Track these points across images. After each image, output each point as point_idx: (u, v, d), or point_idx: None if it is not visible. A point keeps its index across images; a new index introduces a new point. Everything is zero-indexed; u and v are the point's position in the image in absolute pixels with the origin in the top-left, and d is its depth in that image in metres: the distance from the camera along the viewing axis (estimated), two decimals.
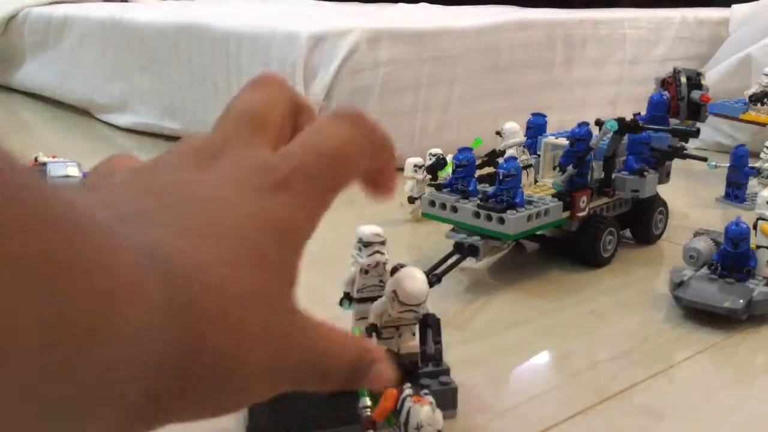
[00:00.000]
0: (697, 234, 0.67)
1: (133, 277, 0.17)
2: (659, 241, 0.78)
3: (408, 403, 0.38)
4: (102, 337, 0.15)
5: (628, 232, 0.78)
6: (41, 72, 1.57)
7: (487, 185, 0.69)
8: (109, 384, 0.16)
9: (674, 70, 0.89)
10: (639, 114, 0.73)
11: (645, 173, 0.73)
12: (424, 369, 0.45)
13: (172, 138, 1.24)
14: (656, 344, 0.56)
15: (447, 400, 0.43)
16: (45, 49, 1.56)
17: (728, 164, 0.91)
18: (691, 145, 1.00)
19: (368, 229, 0.44)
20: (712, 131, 1.15)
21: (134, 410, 0.17)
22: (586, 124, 0.70)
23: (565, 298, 0.65)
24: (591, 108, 1.23)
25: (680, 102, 0.87)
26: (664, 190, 0.79)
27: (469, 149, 0.68)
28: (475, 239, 0.65)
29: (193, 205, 0.21)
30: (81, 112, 1.45)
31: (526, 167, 0.70)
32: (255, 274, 0.20)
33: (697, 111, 0.87)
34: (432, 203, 0.68)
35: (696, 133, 0.73)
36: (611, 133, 0.70)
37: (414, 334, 0.45)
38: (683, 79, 0.88)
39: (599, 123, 0.70)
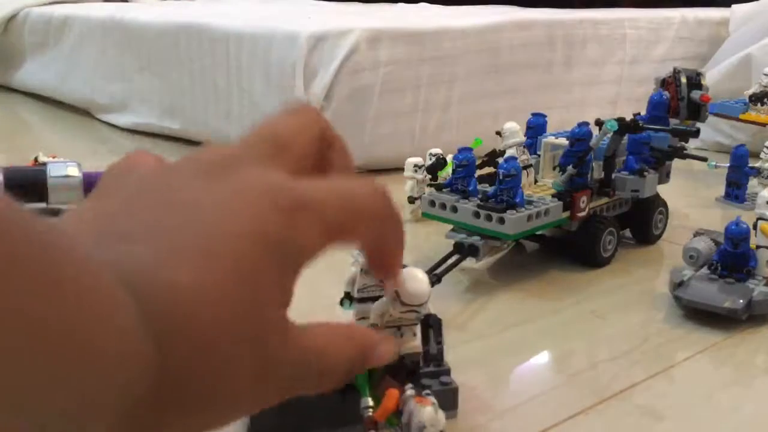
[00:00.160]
0: (697, 234, 0.67)
1: (100, 298, 0.17)
2: (659, 241, 0.78)
3: (410, 404, 0.38)
4: (69, 357, 0.15)
5: (628, 232, 0.78)
6: (41, 72, 1.57)
7: (487, 185, 0.69)
8: (87, 402, 0.16)
9: (674, 70, 0.89)
10: (639, 114, 0.73)
11: (645, 173, 0.73)
12: (424, 369, 0.45)
13: (172, 138, 1.24)
14: (656, 344, 0.57)
15: (448, 401, 0.43)
16: (45, 49, 1.56)
17: (728, 164, 0.91)
18: (691, 145, 1.00)
19: None
20: (712, 131, 1.15)
21: (114, 427, 0.18)
22: (586, 124, 0.70)
23: (565, 298, 0.65)
24: (591, 108, 1.23)
25: (680, 102, 0.87)
26: (664, 190, 0.79)
27: (469, 149, 0.68)
28: (475, 239, 0.65)
29: (184, 223, 0.21)
30: (81, 112, 1.45)
31: (526, 167, 0.70)
32: (240, 296, 0.20)
33: (697, 111, 0.87)
34: (432, 203, 0.68)
35: (696, 133, 0.73)
36: (611, 133, 0.70)
37: (415, 335, 0.45)
38: (683, 79, 0.88)
39: (599, 123, 0.70)
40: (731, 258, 0.61)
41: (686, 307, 0.61)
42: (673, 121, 0.84)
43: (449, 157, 0.76)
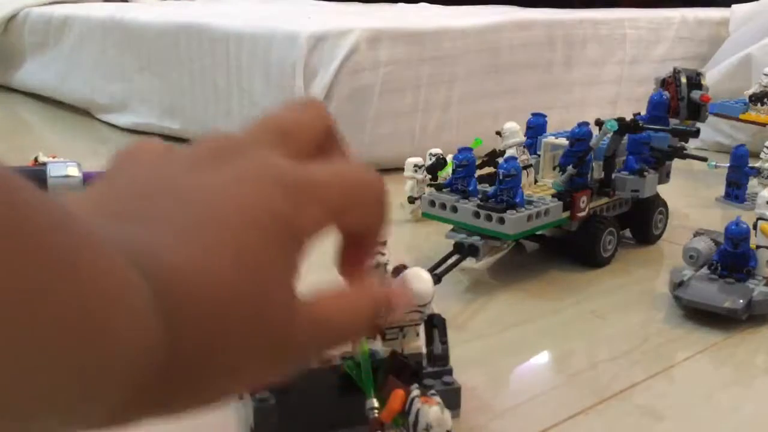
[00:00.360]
0: (697, 234, 0.67)
1: (115, 281, 0.17)
2: (659, 241, 0.78)
3: (416, 404, 0.38)
4: (80, 333, 0.16)
5: (628, 232, 0.78)
6: (41, 72, 1.57)
7: (487, 185, 0.69)
8: (96, 380, 0.17)
9: (674, 70, 0.89)
10: (639, 114, 0.73)
11: (645, 173, 0.73)
12: (426, 369, 0.45)
13: (172, 138, 1.24)
14: (656, 344, 0.57)
15: (450, 400, 0.43)
16: (45, 49, 1.56)
17: (728, 164, 0.92)
18: (691, 145, 1.00)
19: None
20: (712, 131, 1.15)
21: (126, 402, 0.18)
22: (586, 124, 0.70)
23: (565, 298, 0.65)
24: (591, 108, 1.23)
25: (680, 102, 0.87)
26: (664, 190, 0.79)
27: (469, 149, 0.68)
28: (475, 239, 0.65)
29: (192, 206, 0.21)
30: (81, 112, 1.46)
31: (526, 167, 0.70)
32: (246, 275, 0.21)
33: (697, 111, 0.87)
34: (432, 203, 0.68)
35: (696, 133, 0.73)
36: (611, 133, 0.70)
37: (418, 335, 0.45)
38: (683, 79, 0.88)
39: (599, 123, 0.70)
40: (731, 258, 0.61)
41: (686, 307, 0.61)
42: (673, 121, 0.84)
43: (449, 157, 0.76)
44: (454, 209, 0.66)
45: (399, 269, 0.43)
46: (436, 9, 1.50)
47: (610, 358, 0.54)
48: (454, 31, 1.09)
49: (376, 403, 0.39)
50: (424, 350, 0.45)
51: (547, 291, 0.66)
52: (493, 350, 0.55)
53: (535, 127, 0.77)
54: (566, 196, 0.68)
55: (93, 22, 1.44)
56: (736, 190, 0.91)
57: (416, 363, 0.43)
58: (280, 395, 0.41)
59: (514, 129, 0.73)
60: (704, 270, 0.63)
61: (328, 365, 0.43)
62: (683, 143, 0.84)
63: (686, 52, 1.38)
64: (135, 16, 1.34)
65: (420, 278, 0.41)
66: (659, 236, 0.78)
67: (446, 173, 0.78)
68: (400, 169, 0.85)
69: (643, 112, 0.79)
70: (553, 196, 0.68)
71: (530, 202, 0.66)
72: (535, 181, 0.73)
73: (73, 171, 0.79)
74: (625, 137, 0.72)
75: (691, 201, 0.93)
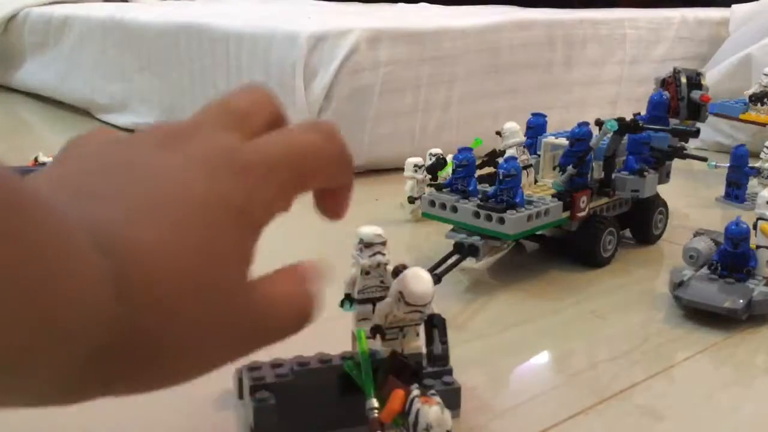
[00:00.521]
0: (697, 234, 0.67)
1: (72, 254, 0.18)
2: (659, 241, 0.78)
3: (416, 404, 0.37)
4: (40, 299, 0.17)
5: (628, 232, 0.78)
6: (41, 72, 1.57)
7: (487, 185, 0.69)
8: (54, 339, 0.17)
9: (674, 70, 0.89)
10: (639, 114, 0.73)
11: (645, 173, 0.73)
12: (426, 369, 0.45)
13: None
14: (656, 344, 0.57)
15: (450, 400, 0.43)
16: (45, 49, 1.57)
17: (728, 164, 0.92)
18: (691, 145, 1.00)
19: (369, 230, 0.44)
20: (712, 131, 1.15)
21: (81, 369, 0.19)
22: (586, 124, 0.70)
23: (565, 298, 0.65)
24: (591, 108, 1.24)
25: (680, 102, 0.87)
26: (664, 190, 0.79)
27: (469, 149, 0.68)
28: (475, 239, 0.65)
29: (147, 185, 0.22)
30: (81, 112, 1.46)
31: (526, 167, 0.70)
32: (200, 252, 0.21)
33: (697, 111, 0.87)
34: (432, 203, 0.68)
35: (696, 133, 0.73)
36: (611, 133, 0.70)
37: (417, 335, 0.45)
38: (683, 79, 0.88)
39: (599, 123, 0.70)
40: (731, 258, 0.61)
41: (686, 307, 0.61)
42: (673, 121, 0.85)
43: (449, 157, 0.76)
44: (454, 209, 0.66)
45: (399, 269, 0.43)
46: (436, 9, 1.50)
47: (610, 358, 0.54)
48: (454, 31, 1.09)
49: (376, 403, 0.39)
50: (424, 350, 0.45)
51: (547, 291, 0.66)
52: (493, 350, 0.55)
53: (535, 127, 0.77)
54: (566, 196, 0.68)
55: (93, 22, 1.44)
56: (736, 190, 0.91)
57: (416, 363, 0.43)
58: (280, 395, 0.42)
59: (514, 129, 0.73)
60: (704, 270, 0.63)
61: (328, 365, 0.43)
62: (683, 143, 0.84)
63: (686, 52, 1.38)
64: (135, 16, 1.34)
65: (420, 278, 0.41)
66: (659, 236, 0.79)
67: (446, 173, 0.78)
68: (400, 169, 0.85)
69: (643, 112, 0.79)
70: (553, 196, 0.68)
71: (530, 202, 0.66)
72: (535, 181, 0.73)
73: None
74: (625, 137, 0.72)
75: (691, 201, 0.93)
